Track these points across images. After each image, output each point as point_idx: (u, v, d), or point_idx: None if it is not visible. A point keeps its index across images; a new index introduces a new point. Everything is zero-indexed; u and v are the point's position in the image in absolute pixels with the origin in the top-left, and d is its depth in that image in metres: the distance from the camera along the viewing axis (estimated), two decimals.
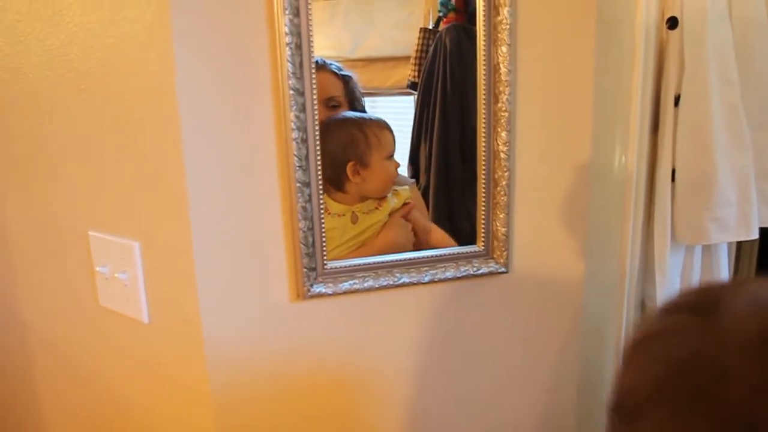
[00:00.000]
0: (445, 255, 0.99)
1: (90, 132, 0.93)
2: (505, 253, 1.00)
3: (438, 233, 1.04)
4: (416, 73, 1.05)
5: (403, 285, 0.96)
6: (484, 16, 0.91)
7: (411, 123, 1.08)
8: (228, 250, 0.88)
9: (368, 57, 1.07)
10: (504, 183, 0.97)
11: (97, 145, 0.93)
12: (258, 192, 0.87)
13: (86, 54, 0.89)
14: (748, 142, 1.08)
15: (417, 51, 1.05)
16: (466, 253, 1.00)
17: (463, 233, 1.02)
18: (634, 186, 1.07)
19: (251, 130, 0.85)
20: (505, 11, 0.90)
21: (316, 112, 0.85)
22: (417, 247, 1.01)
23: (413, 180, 1.08)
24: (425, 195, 1.08)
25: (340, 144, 0.97)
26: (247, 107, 0.85)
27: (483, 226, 0.99)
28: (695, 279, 1.18)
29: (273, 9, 0.81)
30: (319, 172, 0.88)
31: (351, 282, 0.93)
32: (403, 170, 1.06)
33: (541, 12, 0.95)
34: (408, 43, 1.06)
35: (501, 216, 0.99)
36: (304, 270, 0.90)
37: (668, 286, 1.12)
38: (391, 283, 0.95)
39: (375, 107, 1.07)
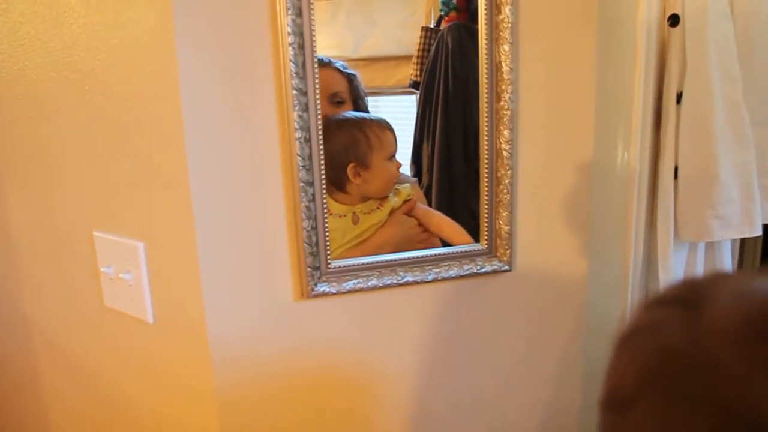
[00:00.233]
0: (448, 254, 0.99)
1: (94, 132, 0.93)
2: (508, 252, 1.00)
3: (448, 225, 1.04)
4: (418, 72, 1.06)
5: (407, 284, 0.96)
6: (485, 14, 0.91)
7: (413, 122, 1.08)
8: (232, 250, 0.88)
9: (370, 56, 1.07)
10: (507, 181, 0.97)
11: (101, 146, 0.93)
12: (261, 192, 0.88)
13: (90, 55, 0.89)
14: (751, 139, 1.08)
15: (419, 50, 1.05)
16: (470, 251, 1.00)
17: (467, 232, 1.02)
18: (636, 183, 1.07)
19: (254, 130, 0.86)
20: (506, 10, 0.90)
21: (319, 112, 0.85)
22: (429, 243, 1.01)
23: (415, 179, 1.09)
24: (428, 194, 1.08)
25: (341, 145, 0.97)
26: (250, 107, 0.85)
27: (486, 224, 1.00)
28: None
29: (275, 9, 0.82)
30: (323, 172, 0.88)
31: (355, 281, 0.93)
32: (406, 169, 1.07)
33: (542, 10, 0.95)
34: (410, 42, 1.06)
35: (504, 214, 0.99)
36: (308, 269, 0.90)
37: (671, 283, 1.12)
38: (395, 281, 0.95)
39: (377, 106, 1.07)
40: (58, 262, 1.09)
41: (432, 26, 1.05)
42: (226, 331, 0.90)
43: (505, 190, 0.98)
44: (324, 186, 0.88)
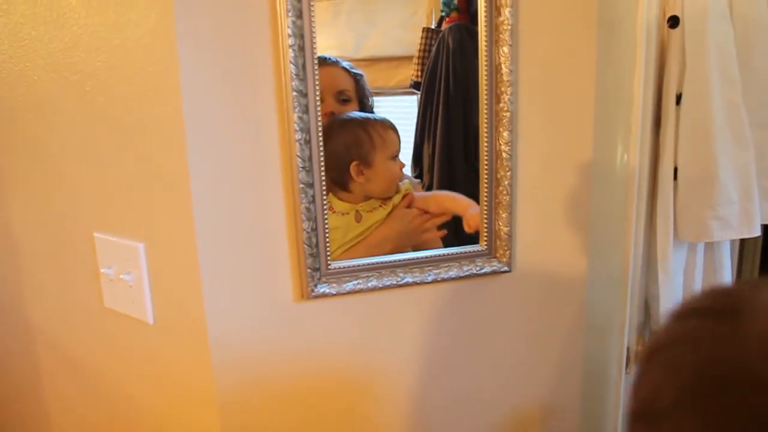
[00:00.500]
0: (448, 254, 1.00)
1: (95, 133, 0.93)
2: (507, 252, 1.01)
3: (448, 199, 1.04)
4: (419, 73, 1.06)
5: (407, 285, 0.96)
6: (485, 16, 0.91)
7: (414, 122, 1.09)
8: (232, 251, 0.88)
9: (371, 57, 1.07)
10: (506, 182, 0.97)
11: (102, 147, 0.93)
12: (262, 193, 0.88)
13: (91, 56, 0.89)
14: (750, 140, 1.08)
15: (420, 51, 1.05)
16: (469, 252, 1.00)
17: (466, 233, 1.02)
18: (636, 184, 1.07)
19: (255, 131, 0.86)
20: (506, 12, 0.90)
21: (319, 114, 0.86)
22: (430, 235, 1.02)
23: (418, 180, 1.09)
24: None
25: (344, 144, 0.97)
26: (250, 109, 0.85)
27: (486, 225, 1.00)
28: (698, 277, 1.18)
29: (276, 11, 0.82)
30: (323, 173, 0.88)
31: (355, 282, 0.93)
32: (407, 170, 1.07)
33: (542, 12, 0.95)
34: (411, 42, 1.06)
35: (504, 215, 0.99)
36: (308, 270, 0.90)
37: (671, 284, 1.12)
38: (395, 282, 0.96)
39: (379, 107, 1.07)
40: (58, 263, 1.09)
41: (433, 27, 1.05)
42: (227, 331, 0.90)
43: (504, 192, 0.98)
44: (324, 187, 0.89)
